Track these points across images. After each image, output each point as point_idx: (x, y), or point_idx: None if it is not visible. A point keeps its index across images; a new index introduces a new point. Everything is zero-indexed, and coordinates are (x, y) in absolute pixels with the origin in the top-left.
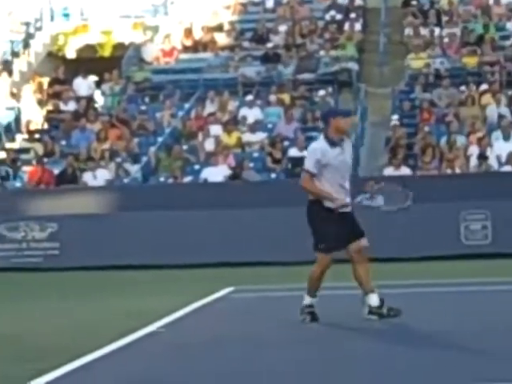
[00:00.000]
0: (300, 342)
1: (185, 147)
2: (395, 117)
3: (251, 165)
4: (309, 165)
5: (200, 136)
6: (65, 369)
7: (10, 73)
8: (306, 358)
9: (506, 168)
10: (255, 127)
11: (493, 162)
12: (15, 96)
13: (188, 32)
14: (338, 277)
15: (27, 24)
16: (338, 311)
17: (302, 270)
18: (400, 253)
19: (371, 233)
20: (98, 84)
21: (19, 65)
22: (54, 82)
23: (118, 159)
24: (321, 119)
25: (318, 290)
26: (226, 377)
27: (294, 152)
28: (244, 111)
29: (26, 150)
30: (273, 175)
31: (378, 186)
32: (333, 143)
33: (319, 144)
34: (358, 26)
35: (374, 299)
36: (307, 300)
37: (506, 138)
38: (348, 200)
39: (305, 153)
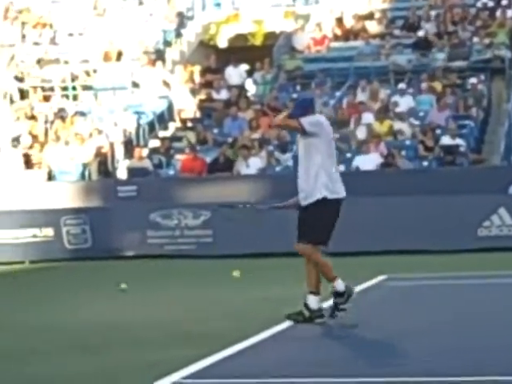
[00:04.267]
0: (453, 329)
1: (336, 136)
2: None
3: (403, 153)
4: None
5: (352, 124)
6: (219, 355)
7: (163, 62)
8: (458, 347)
9: None
10: (407, 115)
11: None
12: (167, 85)
13: (339, 20)
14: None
15: (180, 14)
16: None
17: (455, 259)
18: None
19: None
20: (250, 73)
21: (171, 54)
22: (205, 70)
23: (270, 147)
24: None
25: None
26: (376, 365)
27: (446, 140)
28: (395, 99)
29: (178, 139)
30: (425, 163)
31: None
32: None
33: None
34: (510, 13)
35: (312, 301)
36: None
37: None
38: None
39: (457, 141)
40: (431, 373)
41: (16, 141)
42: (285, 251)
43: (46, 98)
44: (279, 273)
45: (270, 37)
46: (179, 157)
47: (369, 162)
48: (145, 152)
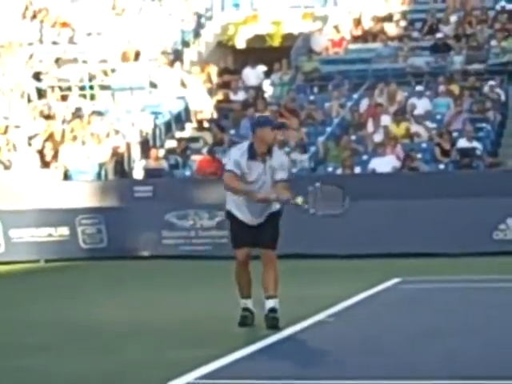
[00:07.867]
0: (467, 332)
1: (353, 137)
2: None
3: (419, 156)
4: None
5: (369, 126)
6: (234, 356)
7: (181, 62)
8: (472, 348)
9: None
10: (424, 118)
11: None
12: (185, 85)
13: (357, 22)
14: None
15: (198, 14)
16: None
17: (470, 262)
18: None
19: None
20: (267, 74)
21: (189, 54)
22: (223, 71)
23: (287, 149)
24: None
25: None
26: (392, 368)
27: (462, 143)
28: (413, 101)
29: (195, 139)
30: (441, 166)
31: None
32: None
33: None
34: None
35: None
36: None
37: None
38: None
39: (474, 144)
40: (442, 376)
41: (32, 140)
42: (300, 252)
43: (64, 98)
44: (297, 274)
45: (288, 38)
46: (195, 157)
47: (385, 164)
48: (161, 152)
